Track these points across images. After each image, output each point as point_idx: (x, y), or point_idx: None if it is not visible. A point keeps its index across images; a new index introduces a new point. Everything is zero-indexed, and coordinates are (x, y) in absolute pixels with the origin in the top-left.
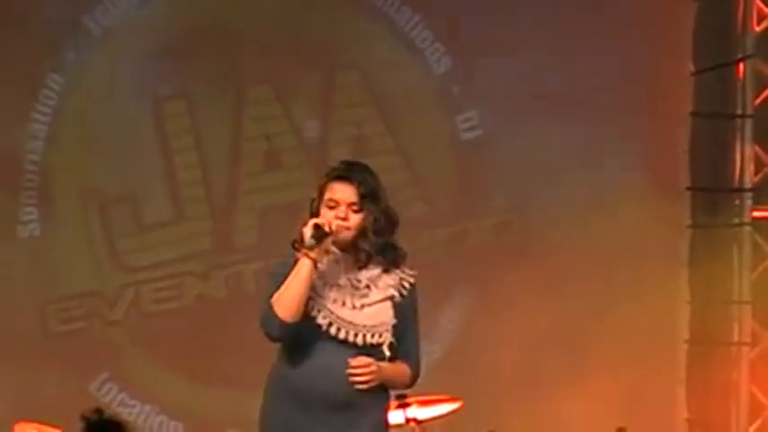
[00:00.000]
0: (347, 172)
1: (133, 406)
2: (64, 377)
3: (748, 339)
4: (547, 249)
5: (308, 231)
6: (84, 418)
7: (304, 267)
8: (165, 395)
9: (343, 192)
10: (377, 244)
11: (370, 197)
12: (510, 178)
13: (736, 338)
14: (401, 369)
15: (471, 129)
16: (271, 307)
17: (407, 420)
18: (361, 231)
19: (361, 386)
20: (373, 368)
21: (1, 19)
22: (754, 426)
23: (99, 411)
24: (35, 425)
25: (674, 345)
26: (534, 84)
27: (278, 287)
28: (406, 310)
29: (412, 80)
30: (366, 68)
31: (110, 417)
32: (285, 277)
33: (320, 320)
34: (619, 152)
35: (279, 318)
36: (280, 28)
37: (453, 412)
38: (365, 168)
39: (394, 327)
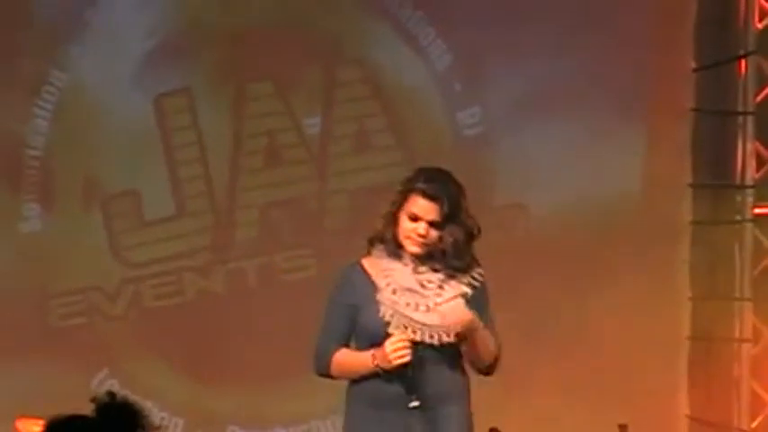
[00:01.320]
0: (434, 190)
1: (135, 401)
2: (65, 372)
3: (749, 336)
4: (548, 246)
5: (390, 354)
6: (94, 399)
7: (367, 369)
8: (166, 391)
9: (427, 210)
10: (451, 260)
11: (452, 216)
12: (512, 175)
13: (737, 335)
14: (488, 335)
15: (473, 125)
16: (328, 364)
17: None
18: (439, 250)
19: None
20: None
21: (3, 15)
22: (756, 422)
23: (111, 394)
24: (36, 420)
25: (676, 341)
26: (536, 80)
27: (333, 322)
28: (479, 301)
29: (414, 76)
30: (368, 64)
31: (123, 399)
32: (345, 307)
33: (391, 324)
34: (620, 148)
35: (332, 377)
36: (281, 24)
37: None
38: (449, 180)
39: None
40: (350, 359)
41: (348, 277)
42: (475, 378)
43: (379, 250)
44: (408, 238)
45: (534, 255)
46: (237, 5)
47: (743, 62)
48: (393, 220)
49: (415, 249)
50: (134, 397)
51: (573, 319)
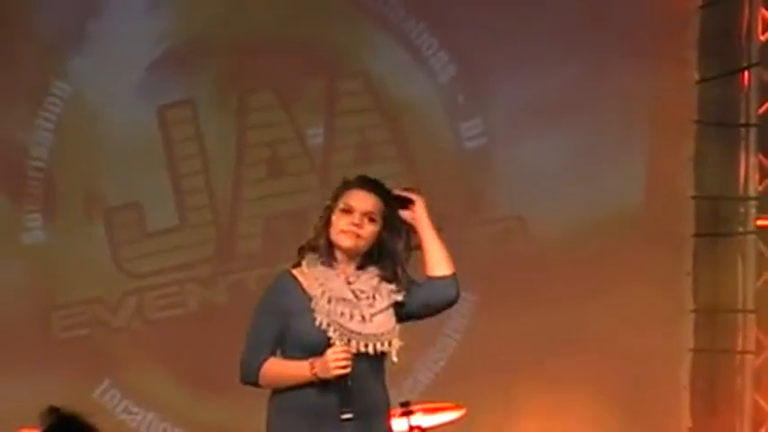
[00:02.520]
0: (368, 182)
1: (136, 413)
2: (67, 384)
3: (752, 348)
4: (550, 257)
5: (332, 363)
6: (41, 415)
7: (304, 379)
8: (169, 402)
9: (363, 200)
10: (383, 263)
11: (389, 214)
12: (514, 186)
13: (740, 347)
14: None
15: (475, 137)
16: (257, 372)
17: (411, 428)
18: (371, 246)
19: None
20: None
21: (6, 26)
22: None
23: (54, 410)
24: None
25: (678, 353)
26: (538, 93)
27: (264, 330)
28: (413, 285)
29: (416, 88)
30: (370, 76)
31: (66, 415)
32: (276, 315)
33: (331, 334)
34: (623, 160)
35: (259, 385)
36: (283, 35)
37: (458, 420)
38: (387, 188)
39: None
40: (284, 368)
41: (280, 286)
42: (479, 386)
43: (310, 259)
44: (342, 232)
45: (535, 266)
46: (240, 17)
47: (746, 74)
48: (325, 225)
49: (348, 242)
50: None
51: (574, 331)
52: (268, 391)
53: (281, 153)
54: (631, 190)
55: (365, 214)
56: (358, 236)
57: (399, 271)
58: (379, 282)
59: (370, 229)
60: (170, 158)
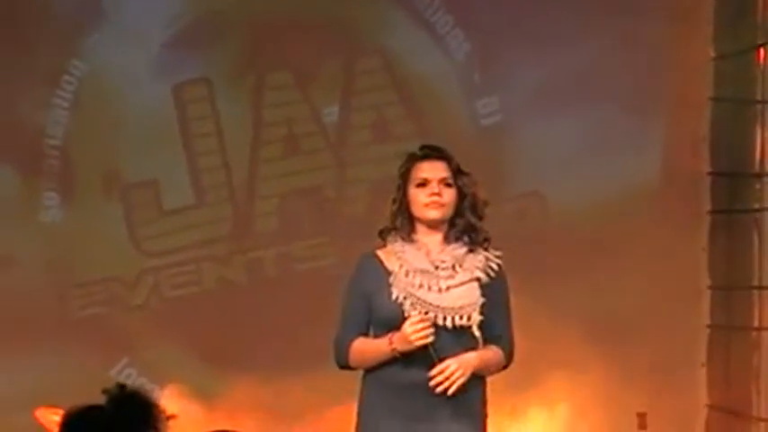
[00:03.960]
0: (433, 150)
1: (153, 391)
2: (84, 362)
3: None
4: (566, 234)
5: (411, 336)
6: (105, 391)
7: (386, 355)
8: (186, 379)
9: (434, 168)
10: (470, 220)
11: (461, 173)
12: (529, 164)
13: (756, 323)
14: (490, 354)
15: (491, 114)
16: (347, 355)
17: None
18: (457, 208)
19: (450, 391)
20: (455, 370)
21: (23, 5)
22: None
23: (121, 386)
24: (55, 410)
25: (695, 330)
26: (554, 69)
27: (349, 313)
28: (495, 293)
29: (432, 65)
30: (386, 54)
31: (133, 390)
32: (360, 296)
33: (407, 307)
34: (638, 137)
35: (350, 366)
36: (299, 13)
37: None
38: (447, 150)
39: (483, 306)
40: (367, 346)
41: (362, 267)
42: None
43: (392, 237)
44: (425, 205)
45: (552, 243)
46: None
47: (761, 51)
48: (402, 203)
49: (435, 213)
50: (147, 386)
51: (590, 308)
52: (281, 369)
53: (297, 131)
54: (647, 167)
55: (441, 181)
56: (442, 204)
57: (477, 221)
58: (465, 253)
59: (450, 194)
60: (186, 137)
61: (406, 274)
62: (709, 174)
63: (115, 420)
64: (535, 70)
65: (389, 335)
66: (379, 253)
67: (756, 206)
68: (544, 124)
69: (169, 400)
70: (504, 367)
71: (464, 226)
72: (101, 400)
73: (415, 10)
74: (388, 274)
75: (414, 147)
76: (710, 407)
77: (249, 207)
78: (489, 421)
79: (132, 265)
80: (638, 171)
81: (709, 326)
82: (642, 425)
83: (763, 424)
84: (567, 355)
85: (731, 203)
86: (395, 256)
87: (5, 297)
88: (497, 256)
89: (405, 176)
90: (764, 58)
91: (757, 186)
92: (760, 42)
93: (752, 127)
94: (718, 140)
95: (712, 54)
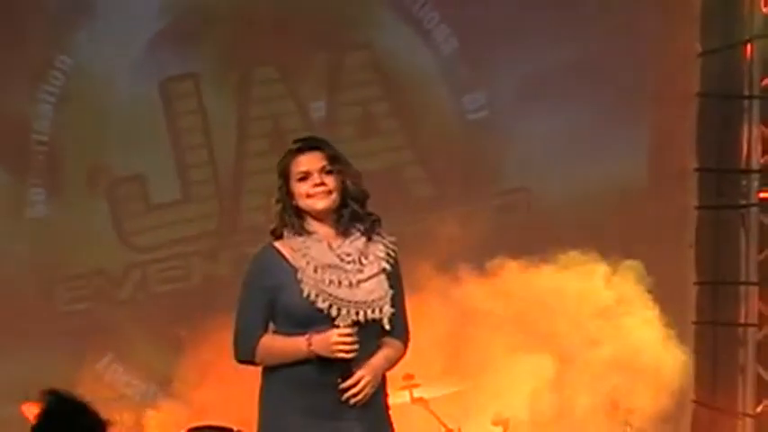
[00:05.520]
0: (307, 142)
1: (138, 386)
2: (71, 357)
3: (755, 320)
4: (552, 230)
5: (335, 346)
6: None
7: (299, 354)
8: (171, 376)
9: (312, 160)
10: (353, 208)
11: (338, 159)
12: (516, 159)
13: (742, 319)
14: (393, 352)
15: (478, 109)
16: (254, 349)
17: (414, 400)
18: (341, 195)
19: (359, 400)
20: (367, 382)
21: (11, 1)
22: (761, 407)
23: (53, 392)
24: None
25: (681, 326)
26: (541, 65)
27: (254, 308)
28: (394, 281)
29: (418, 61)
30: (372, 49)
31: (66, 397)
32: (264, 290)
33: (320, 304)
34: (625, 133)
35: (254, 362)
36: (286, 8)
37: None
38: (322, 138)
39: (392, 298)
40: (279, 344)
41: (263, 260)
42: (481, 359)
43: (288, 235)
44: (310, 197)
45: (538, 239)
46: None
47: (749, 46)
48: (286, 201)
49: (323, 203)
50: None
51: (576, 302)
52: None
53: (283, 126)
54: (634, 163)
55: (321, 170)
56: (327, 192)
57: (360, 208)
58: (365, 244)
59: (333, 181)
60: (173, 132)
61: (315, 270)
62: (696, 170)
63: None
64: (522, 66)
65: (308, 336)
66: (278, 246)
67: (743, 202)
68: (531, 120)
69: (155, 395)
70: (403, 355)
71: (350, 215)
72: (86, 394)
73: (401, 5)
74: (293, 269)
75: (400, 142)
76: (697, 402)
77: (236, 202)
78: None
79: (119, 260)
80: (624, 167)
81: (695, 322)
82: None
83: (748, 419)
84: (553, 348)
85: (718, 199)
86: (298, 252)
87: None
88: (393, 242)
89: (284, 174)
90: (751, 53)
91: (744, 182)
92: (746, 38)
93: (739, 123)
94: (705, 136)
95: (699, 50)
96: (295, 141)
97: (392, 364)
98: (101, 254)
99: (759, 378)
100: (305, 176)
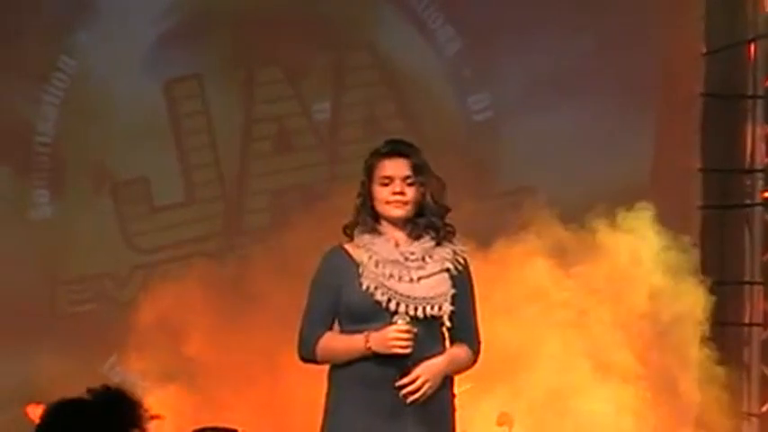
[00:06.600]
0: (397, 147)
1: (144, 388)
2: (75, 358)
3: (760, 320)
4: (558, 230)
5: (391, 342)
6: (90, 390)
7: (358, 353)
8: (177, 376)
9: (397, 167)
10: (431, 220)
11: (423, 170)
12: (521, 159)
13: (747, 319)
14: (458, 355)
15: (483, 110)
16: (314, 349)
17: None
18: (419, 205)
19: (417, 399)
20: (424, 381)
21: (12, 1)
22: (766, 406)
23: (107, 387)
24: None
25: (687, 325)
26: (545, 65)
27: (317, 306)
28: (462, 287)
29: (423, 61)
30: (377, 50)
31: (118, 390)
32: (329, 289)
33: (379, 297)
34: (630, 133)
35: (316, 361)
36: (291, 9)
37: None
38: (412, 144)
39: (453, 297)
40: (339, 342)
41: (329, 260)
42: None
43: (358, 231)
44: (388, 203)
45: (542, 238)
46: None
47: (753, 46)
48: (366, 199)
49: (399, 212)
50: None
51: (581, 303)
52: (273, 365)
53: (287, 128)
54: (638, 163)
55: (404, 179)
56: (405, 203)
57: (439, 221)
58: (433, 247)
59: (413, 192)
60: (177, 133)
61: (376, 265)
62: (701, 169)
63: (101, 420)
64: (526, 66)
65: (366, 333)
66: (347, 246)
67: (747, 201)
68: (535, 120)
69: (160, 396)
70: (470, 367)
71: (425, 225)
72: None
73: (405, 6)
74: (357, 265)
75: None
76: (702, 404)
77: (240, 203)
78: None
79: (123, 262)
80: (629, 167)
81: (699, 322)
82: None
83: (753, 419)
84: (557, 348)
85: (722, 199)
86: (363, 248)
87: None
88: (464, 251)
89: (368, 173)
90: (755, 54)
91: (748, 182)
92: (750, 38)
93: (743, 123)
94: (710, 136)
95: (703, 50)
96: (386, 143)
97: (458, 368)
98: (105, 255)
99: (764, 377)
100: (387, 182)
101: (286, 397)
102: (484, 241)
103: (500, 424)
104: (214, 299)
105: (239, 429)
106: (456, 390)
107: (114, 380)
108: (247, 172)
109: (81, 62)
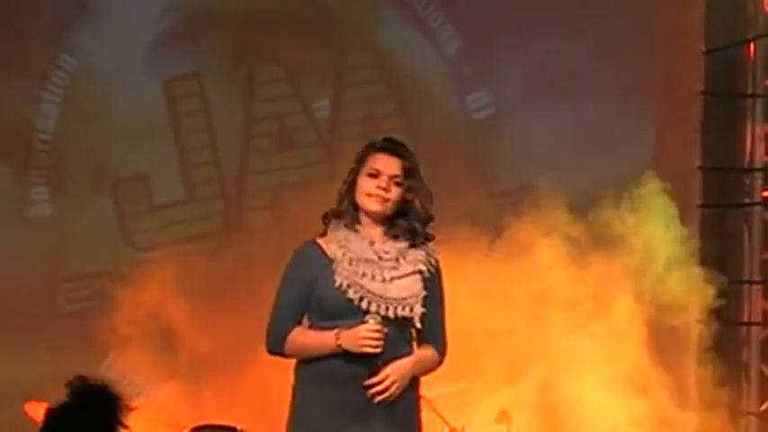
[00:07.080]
0: (393, 145)
1: (141, 387)
2: (73, 357)
3: (759, 319)
4: (557, 228)
5: (362, 341)
6: (67, 384)
7: (328, 349)
8: (175, 376)
9: (388, 163)
10: (413, 224)
11: (413, 174)
12: (520, 158)
13: (746, 318)
14: (425, 357)
15: (482, 108)
16: (283, 342)
17: None
18: (400, 207)
19: (385, 399)
20: (393, 381)
21: (14, 0)
22: (765, 405)
23: (82, 378)
24: (45, 404)
25: (686, 325)
26: (545, 64)
27: (288, 300)
28: (433, 289)
29: (423, 60)
30: (377, 48)
31: (95, 382)
32: (300, 283)
33: (351, 295)
34: (629, 131)
35: (284, 354)
36: (290, 7)
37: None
38: (408, 148)
39: (424, 299)
40: (309, 337)
41: (302, 254)
42: (483, 357)
43: (335, 225)
44: (369, 195)
45: (542, 236)
46: None
47: (752, 45)
48: (350, 188)
49: (376, 207)
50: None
51: (582, 300)
52: (272, 365)
53: (287, 126)
54: (637, 161)
55: (392, 178)
56: (385, 199)
57: (421, 227)
58: (407, 248)
59: (396, 193)
60: (177, 131)
61: (350, 263)
62: (700, 168)
63: (77, 417)
64: (526, 65)
65: (337, 331)
66: (320, 241)
67: (747, 200)
68: (535, 119)
69: (159, 394)
70: (435, 369)
71: (406, 227)
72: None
73: (405, 5)
74: (330, 261)
75: (405, 141)
76: (701, 401)
77: (240, 201)
78: None
79: (123, 260)
80: (629, 165)
81: (699, 320)
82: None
83: (753, 418)
84: (559, 345)
85: (722, 198)
86: (337, 243)
87: None
88: (435, 253)
89: (359, 162)
90: (755, 52)
91: (747, 181)
92: (750, 37)
93: (742, 121)
94: (709, 135)
95: (703, 49)
96: (384, 139)
97: (424, 369)
98: (104, 254)
99: (763, 376)
100: (375, 175)
101: (286, 396)
102: (483, 239)
103: (499, 422)
104: (214, 297)
105: (238, 427)
106: (452, 389)
107: (113, 377)
108: (247, 170)
109: (81, 61)
